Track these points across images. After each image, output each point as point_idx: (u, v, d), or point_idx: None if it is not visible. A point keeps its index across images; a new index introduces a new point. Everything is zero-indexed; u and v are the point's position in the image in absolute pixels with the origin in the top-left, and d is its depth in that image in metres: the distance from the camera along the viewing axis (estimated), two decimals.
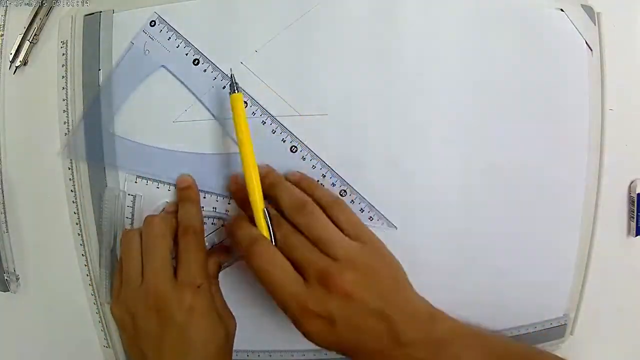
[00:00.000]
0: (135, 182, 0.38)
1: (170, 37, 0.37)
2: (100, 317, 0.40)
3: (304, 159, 0.37)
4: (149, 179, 0.38)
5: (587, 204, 0.39)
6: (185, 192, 0.37)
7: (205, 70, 0.37)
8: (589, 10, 0.38)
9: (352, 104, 0.37)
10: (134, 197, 0.38)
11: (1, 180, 0.40)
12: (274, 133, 0.37)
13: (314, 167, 0.37)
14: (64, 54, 0.38)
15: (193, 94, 0.37)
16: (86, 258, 0.39)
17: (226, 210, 0.38)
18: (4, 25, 0.39)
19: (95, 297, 0.40)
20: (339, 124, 0.37)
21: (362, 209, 0.37)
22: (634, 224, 0.40)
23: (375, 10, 0.37)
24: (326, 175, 0.37)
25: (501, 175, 0.38)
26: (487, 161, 0.38)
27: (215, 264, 0.36)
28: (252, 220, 0.33)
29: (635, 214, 0.40)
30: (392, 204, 0.37)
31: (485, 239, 0.38)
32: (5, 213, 0.40)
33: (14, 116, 0.40)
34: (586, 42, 0.38)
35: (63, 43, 0.38)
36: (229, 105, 0.34)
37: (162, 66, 0.37)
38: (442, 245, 0.38)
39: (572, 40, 0.38)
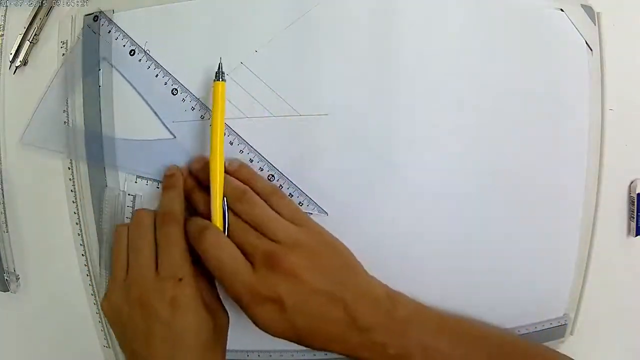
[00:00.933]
0: (135, 182, 0.38)
1: (110, 31, 0.37)
2: (100, 317, 0.40)
3: (231, 144, 0.37)
4: (149, 179, 0.38)
5: (587, 204, 0.39)
6: (169, 180, 0.36)
7: (140, 60, 0.37)
8: (589, 10, 0.38)
9: (352, 104, 0.37)
10: (134, 197, 0.38)
11: (1, 180, 0.40)
12: (202, 118, 0.37)
13: (241, 151, 0.37)
14: (64, 54, 0.38)
15: (129, 82, 0.37)
16: (86, 258, 0.39)
17: None
18: (4, 25, 0.39)
19: (95, 297, 0.40)
20: (339, 124, 0.37)
21: (291, 194, 0.37)
22: (634, 224, 0.40)
23: (375, 10, 0.37)
24: (253, 159, 0.37)
25: (501, 176, 0.38)
26: (487, 161, 0.38)
27: None
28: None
29: (635, 214, 0.40)
30: (391, 204, 0.37)
31: (485, 239, 0.38)
32: (5, 213, 0.40)
33: (14, 116, 0.40)
34: (586, 42, 0.38)
35: (63, 43, 0.38)
36: (159, 90, 0.36)
37: (104, 58, 0.37)
38: (441, 245, 0.38)
39: (572, 40, 0.38)
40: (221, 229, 0.32)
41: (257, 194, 0.34)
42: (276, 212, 0.33)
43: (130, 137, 0.37)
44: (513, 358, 0.33)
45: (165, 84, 0.37)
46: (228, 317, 0.35)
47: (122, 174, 0.38)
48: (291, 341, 0.31)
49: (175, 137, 0.37)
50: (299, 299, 0.30)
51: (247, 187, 0.33)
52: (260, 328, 0.31)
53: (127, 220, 0.38)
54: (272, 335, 0.31)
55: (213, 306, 0.34)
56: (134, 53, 0.37)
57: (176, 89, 0.37)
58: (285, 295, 0.30)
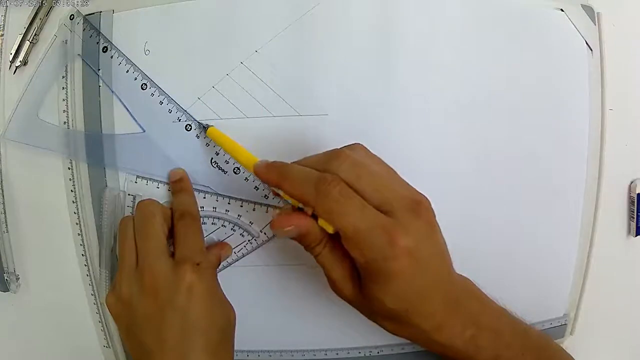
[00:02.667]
0: (135, 182, 0.38)
1: (85, 28, 0.37)
2: (100, 317, 0.40)
3: (198, 137, 0.37)
4: (149, 178, 0.38)
5: (587, 204, 0.39)
6: (178, 184, 0.36)
7: (112, 57, 0.37)
8: (589, 10, 0.38)
9: (352, 104, 0.37)
10: (134, 197, 0.38)
11: (1, 180, 0.40)
12: (170, 112, 0.37)
13: (207, 144, 0.37)
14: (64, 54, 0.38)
15: (100, 78, 0.37)
16: (86, 258, 0.39)
17: (226, 210, 0.38)
18: (4, 25, 0.39)
19: (95, 297, 0.40)
20: (339, 124, 0.37)
21: (256, 187, 0.37)
22: (634, 224, 0.40)
23: (375, 10, 0.37)
24: (219, 152, 0.37)
25: (501, 176, 0.38)
26: (487, 161, 0.38)
27: (215, 255, 0.35)
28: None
29: (635, 214, 0.40)
30: None
31: (485, 240, 0.38)
32: (5, 213, 0.40)
33: None
34: (586, 42, 0.38)
35: (63, 43, 0.38)
36: (131, 86, 0.37)
37: (79, 55, 0.37)
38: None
39: (572, 40, 0.38)
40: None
41: None
42: None
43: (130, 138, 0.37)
44: None
45: (135, 78, 0.37)
46: (235, 314, 0.34)
47: (122, 174, 0.38)
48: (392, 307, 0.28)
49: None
50: (425, 249, 0.28)
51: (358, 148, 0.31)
52: (387, 281, 0.28)
53: None
54: (378, 295, 0.28)
55: (224, 300, 0.34)
56: (106, 50, 0.37)
57: (150, 89, 0.37)
58: (420, 245, 0.28)
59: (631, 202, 0.40)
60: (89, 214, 0.38)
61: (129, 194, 0.38)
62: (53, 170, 0.39)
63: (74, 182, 0.39)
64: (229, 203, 0.38)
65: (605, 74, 0.38)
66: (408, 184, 0.30)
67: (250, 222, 0.38)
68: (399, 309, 0.28)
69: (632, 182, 0.40)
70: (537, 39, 0.38)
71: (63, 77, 0.38)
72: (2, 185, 0.40)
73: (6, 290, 0.40)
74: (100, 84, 0.37)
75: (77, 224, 0.39)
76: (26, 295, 0.41)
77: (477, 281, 0.38)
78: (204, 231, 0.36)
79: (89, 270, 0.39)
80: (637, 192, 0.40)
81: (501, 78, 0.37)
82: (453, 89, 0.37)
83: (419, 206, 0.28)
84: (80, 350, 0.41)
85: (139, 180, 0.38)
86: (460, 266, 0.38)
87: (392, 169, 0.30)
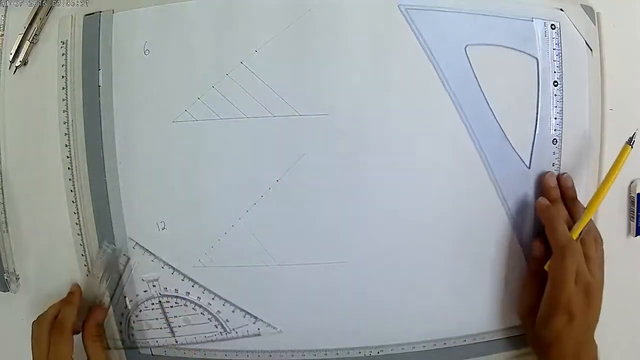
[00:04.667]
0: (134, 248, 0.38)
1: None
2: None
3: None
4: (147, 250, 0.38)
5: (587, 204, 0.39)
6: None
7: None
8: (589, 10, 0.38)
9: (352, 104, 0.37)
10: (128, 259, 0.38)
11: (1, 180, 0.40)
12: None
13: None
14: (64, 54, 0.38)
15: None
16: (86, 258, 0.39)
17: (209, 303, 0.38)
18: (4, 25, 0.39)
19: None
20: (339, 124, 0.37)
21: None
22: (634, 224, 0.40)
23: (374, 10, 0.37)
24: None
25: (501, 176, 0.38)
26: (487, 160, 0.38)
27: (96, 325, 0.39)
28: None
29: (635, 214, 0.40)
30: (392, 204, 0.37)
31: (486, 238, 0.38)
32: (5, 213, 0.40)
33: (14, 116, 0.40)
34: (586, 42, 0.38)
35: (63, 43, 0.38)
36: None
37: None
38: (442, 243, 0.38)
39: (572, 40, 0.38)
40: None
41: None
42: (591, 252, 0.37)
43: (130, 138, 0.37)
44: None
45: None
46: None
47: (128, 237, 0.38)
48: (539, 339, 0.37)
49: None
50: (583, 322, 0.36)
51: (599, 235, 0.38)
52: (543, 321, 0.36)
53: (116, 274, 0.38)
54: (539, 328, 0.36)
55: None
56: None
57: None
58: (578, 317, 0.35)
59: (631, 202, 0.40)
60: (89, 213, 0.38)
61: (123, 254, 0.38)
62: (53, 170, 0.39)
63: (74, 182, 0.39)
64: (213, 298, 0.39)
65: (605, 74, 0.38)
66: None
67: (226, 320, 0.39)
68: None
69: (632, 182, 0.40)
70: (536, 39, 0.38)
71: (63, 77, 0.38)
72: (2, 185, 0.40)
73: (6, 290, 0.40)
74: (101, 84, 0.37)
75: (77, 224, 0.39)
76: (26, 295, 0.41)
77: (478, 281, 0.39)
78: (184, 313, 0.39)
79: (88, 270, 0.39)
80: (637, 192, 0.40)
81: (501, 77, 0.37)
82: (453, 87, 0.37)
83: (591, 292, 0.36)
84: (79, 350, 0.41)
85: (137, 247, 0.38)
86: (461, 265, 0.38)
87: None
